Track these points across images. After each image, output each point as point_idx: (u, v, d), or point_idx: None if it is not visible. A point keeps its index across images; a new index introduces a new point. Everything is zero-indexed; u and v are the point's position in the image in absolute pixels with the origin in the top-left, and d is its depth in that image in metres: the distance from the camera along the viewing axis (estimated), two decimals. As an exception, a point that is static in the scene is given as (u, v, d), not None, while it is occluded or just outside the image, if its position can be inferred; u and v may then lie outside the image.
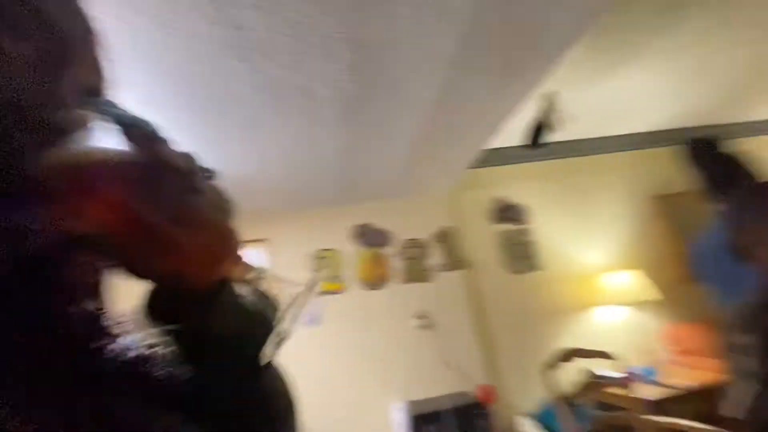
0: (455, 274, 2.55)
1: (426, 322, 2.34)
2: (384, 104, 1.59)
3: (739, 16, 1.85)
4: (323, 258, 2.47)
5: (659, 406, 1.98)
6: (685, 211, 2.68)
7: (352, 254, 2.50)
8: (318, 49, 1.19)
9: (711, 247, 1.50)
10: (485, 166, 2.64)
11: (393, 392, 2.28)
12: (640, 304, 2.48)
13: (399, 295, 2.47)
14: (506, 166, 2.77)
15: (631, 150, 3.01)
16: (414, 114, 1.71)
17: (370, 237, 2.55)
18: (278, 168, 1.98)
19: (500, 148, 2.62)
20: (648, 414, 1.71)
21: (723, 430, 1.50)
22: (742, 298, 0.88)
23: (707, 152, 1.77)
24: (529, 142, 2.04)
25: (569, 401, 1.82)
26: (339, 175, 2.17)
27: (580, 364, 2.18)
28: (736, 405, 0.87)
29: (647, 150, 3.02)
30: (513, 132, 2.22)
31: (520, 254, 2.66)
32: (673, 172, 2.63)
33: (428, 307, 2.42)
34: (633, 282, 2.47)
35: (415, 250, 2.54)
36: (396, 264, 2.51)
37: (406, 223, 2.58)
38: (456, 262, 2.56)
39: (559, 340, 2.50)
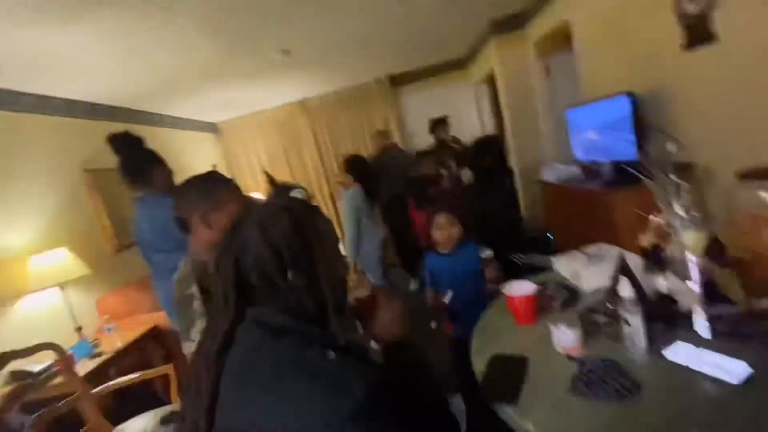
0: None
1: None
2: None
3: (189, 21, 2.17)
4: None
5: (99, 375, 2.06)
6: (112, 186, 2.85)
7: None
8: None
9: (153, 220, 1.77)
10: None
11: None
12: (70, 283, 2.37)
13: None
14: None
15: (62, 116, 2.75)
16: None
17: None
18: None
19: None
20: (87, 388, 1.74)
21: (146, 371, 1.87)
22: (185, 258, 1.17)
23: (126, 142, 2.02)
24: None
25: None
26: None
27: (10, 368, 1.78)
28: (190, 343, 1.15)
29: (80, 120, 2.89)
30: None
31: None
32: (102, 147, 2.71)
33: None
34: (61, 260, 2.32)
35: None
36: None
37: None
38: None
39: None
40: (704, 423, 0.72)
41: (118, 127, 2.00)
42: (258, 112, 5.07)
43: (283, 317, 0.62)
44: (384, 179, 3.61)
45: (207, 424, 0.58)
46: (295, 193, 3.26)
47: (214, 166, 3.69)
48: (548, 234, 2.93)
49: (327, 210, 5.06)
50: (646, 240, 1.03)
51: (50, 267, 2.25)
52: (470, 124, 4.96)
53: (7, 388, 1.77)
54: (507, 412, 0.86)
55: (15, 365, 1.70)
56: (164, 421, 1.61)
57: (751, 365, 0.78)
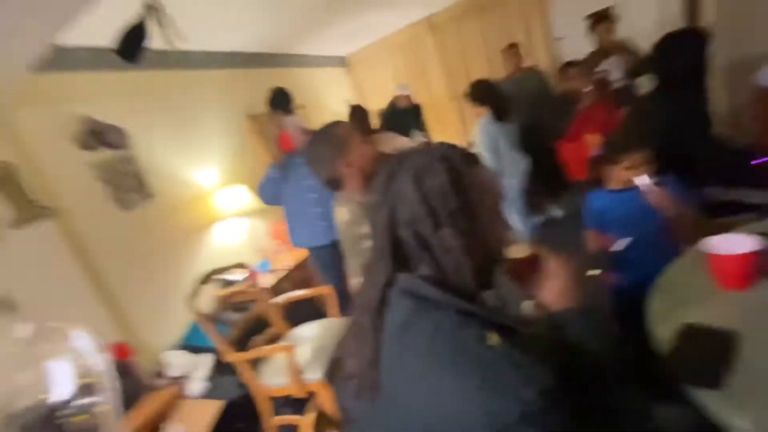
0: (38, 228, 1.84)
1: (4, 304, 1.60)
2: None
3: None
4: None
5: (276, 288, 2.55)
6: (270, 128, 3.21)
7: None
8: None
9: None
10: (53, 72, 1.90)
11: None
12: (248, 213, 2.86)
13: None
14: (86, 73, 2.12)
15: (224, 68, 3.12)
16: None
17: None
18: None
19: (76, 49, 1.95)
20: (270, 297, 2.17)
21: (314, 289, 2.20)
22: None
23: (283, 98, 2.27)
24: (120, 48, 1.63)
25: (211, 316, 1.96)
26: None
27: (217, 279, 2.35)
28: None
29: (236, 70, 3.24)
30: (94, 28, 1.68)
31: (128, 186, 2.28)
32: (259, 93, 3.02)
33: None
34: (239, 194, 2.80)
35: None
36: None
37: None
38: (32, 211, 1.83)
39: (192, 265, 2.52)
40: None
41: (270, 73, 2.15)
42: (385, 39, 4.89)
43: (433, 288, 0.57)
44: (517, 106, 3.18)
45: (373, 379, 0.58)
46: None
47: (353, 105, 3.76)
48: (757, 157, 2.19)
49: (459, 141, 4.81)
50: None
51: (231, 200, 2.76)
52: (646, 14, 3.81)
53: (221, 293, 2.35)
54: (709, 400, 0.70)
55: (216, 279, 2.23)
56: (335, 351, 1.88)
57: None
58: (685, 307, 0.91)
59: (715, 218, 1.44)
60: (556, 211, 3.42)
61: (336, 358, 0.90)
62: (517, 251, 0.74)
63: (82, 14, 1.35)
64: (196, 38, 2.63)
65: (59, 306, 1.84)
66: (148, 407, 1.88)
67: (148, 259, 2.31)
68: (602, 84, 2.69)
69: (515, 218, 2.77)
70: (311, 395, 1.81)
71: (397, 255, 0.61)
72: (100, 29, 1.69)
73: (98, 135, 2.14)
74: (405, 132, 3.79)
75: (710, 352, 0.77)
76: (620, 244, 1.31)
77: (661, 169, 1.32)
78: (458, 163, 0.60)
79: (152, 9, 1.58)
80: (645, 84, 2.42)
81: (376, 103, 5.20)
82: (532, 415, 0.45)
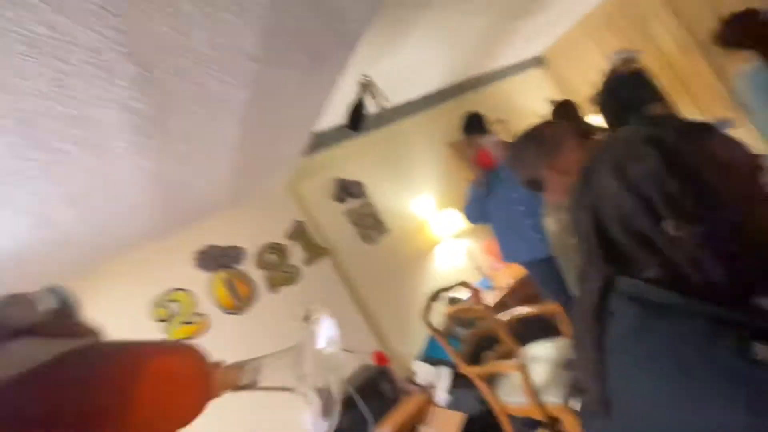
0: (320, 264, 2.57)
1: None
2: (189, 116, 1.39)
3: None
4: (170, 302, 2.10)
5: (500, 305, 2.55)
6: (468, 153, 3.35)
7: (203, 285, 2.21)
8: (88, 67, 0.93)
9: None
10: (314, 152, 2.66)
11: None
12: (464, 233, 3.02)
13: (272, 307, 2.34)
14: (332, 147, 2.86)
15: (424, 110, 3.52)
16: (227, 119, 1.56)
17: (218, 258, 2.29)
18: (71, 217, 1.54)
19: (323, 132, 2.67)
20: (496, 314, 2.18)
21: (544, 304, 2.08)
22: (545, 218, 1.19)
23: (475, 120, 2.33)
24: (349, 123, 2.14)
25: (444, 331, 2.14)
26: (156, 206, 1.83)
27: (444, 297, 2.58)
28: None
29: (436, 108, 3.59)
30: (331, 113, 2.27)
31: (369, 225, 2.86)
32: (454, 122, 3.23)
33: (308, 306, 2.38)
34: (454, 218, 2.99)
35: (272, 256, 2.42)
36: (258, 277, 2.35)
37: (253, 232, 2.41)
38: (316, 252, 2.57)
39: (422, 285, 2.87)
40: None
41: (467, 99, 2.29)
42: (584, 18, 4.32)
43: (666, 292, 0.47)
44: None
45: (600, 394, 0.52)
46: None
47: (556, 102, 3.47)
48: None
49: (703, 108, 3.60)
50: None
51: (448, 224, 2.99)
52: None
53: (448, 310, 2.56)
54: None
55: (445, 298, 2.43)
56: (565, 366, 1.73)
57: None
58: None
59: None
60: None
61: (574, 379, 0.84)
62: None
63: (325, 105, 1.86)
64: (398, 94, 3.10)
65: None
66: (406, 408, 2.21)
67: (391, 282, 2.79)
68: None
69: None
70: (554, 420, 1.69)
71: (614, 257, 0.54)
72: (337, 112, 2.27)
73: (346, 190, 2.81)
74: (632, 106, 3.13)
75: None
76: None
77: None
78: (674, 139, 0.49)
79: (366, 86, 2.01)
80: None
81: (588, 91, 4.55)
82: None
